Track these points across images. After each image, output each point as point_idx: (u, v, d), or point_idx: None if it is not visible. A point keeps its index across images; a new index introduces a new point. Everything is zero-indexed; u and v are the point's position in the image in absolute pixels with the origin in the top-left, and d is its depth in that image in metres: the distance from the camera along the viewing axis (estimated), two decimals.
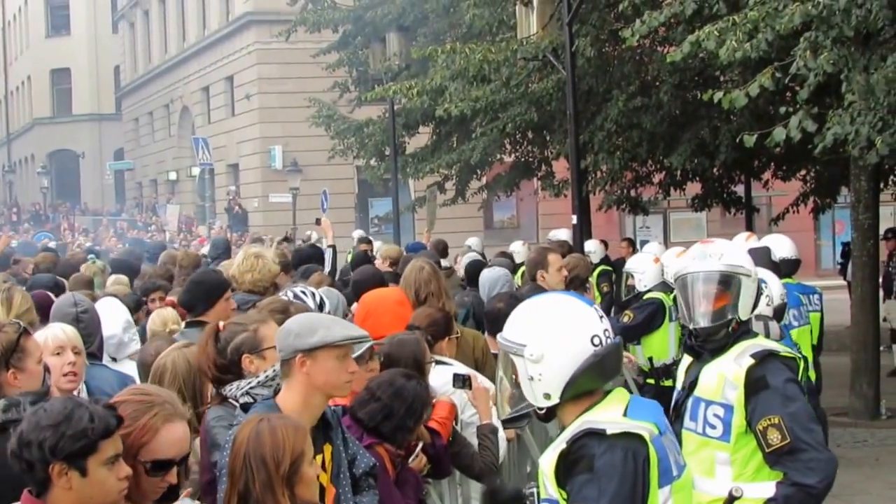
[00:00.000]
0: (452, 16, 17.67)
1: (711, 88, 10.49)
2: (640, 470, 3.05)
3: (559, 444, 3.15)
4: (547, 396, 3.17)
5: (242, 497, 3.24)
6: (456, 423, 4.93)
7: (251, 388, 4.00)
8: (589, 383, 3.17)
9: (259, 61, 34.46)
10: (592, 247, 13.87)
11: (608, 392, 3.23)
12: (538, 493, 3.23)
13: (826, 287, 11.98)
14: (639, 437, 3.07)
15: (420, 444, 4.45)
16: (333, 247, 9.83)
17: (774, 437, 3.94)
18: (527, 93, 14.98)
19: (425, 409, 4.46)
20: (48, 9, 54.45)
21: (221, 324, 4.26)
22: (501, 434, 5.19)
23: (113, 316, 6.07)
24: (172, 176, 42.51)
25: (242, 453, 3.25)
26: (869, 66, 9.33)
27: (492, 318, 6.44)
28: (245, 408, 3.78)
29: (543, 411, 3.21)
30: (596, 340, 3.16)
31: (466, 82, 15.04)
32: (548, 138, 17.31)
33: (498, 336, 3.30)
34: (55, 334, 4.70)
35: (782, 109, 9.84)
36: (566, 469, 3.10)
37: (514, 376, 3.24)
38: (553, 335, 3.16)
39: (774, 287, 5.81)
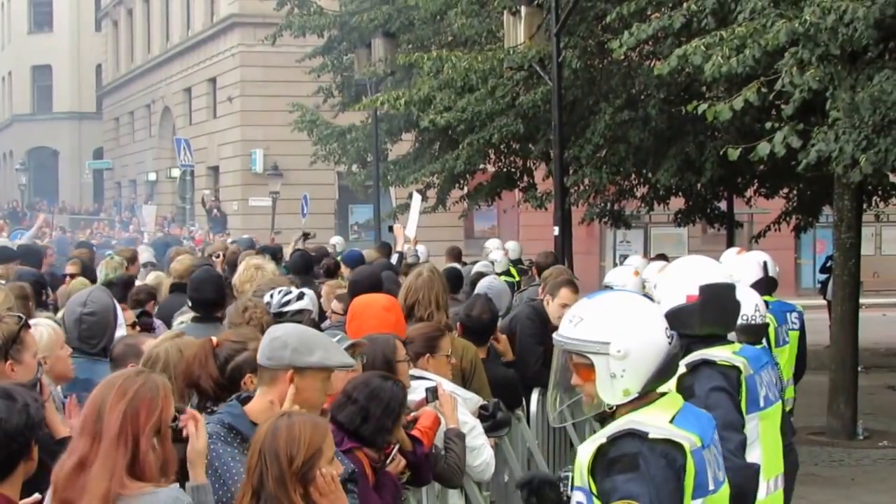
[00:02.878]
0: (439, 23, 17.64)
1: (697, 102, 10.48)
2: (678, 477, 3.07)
3: (598, 438, 3.16)
4: (626, 393, 3.19)
5: (256, 492, 3.21)
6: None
7: None
8: (660, 381, 3.22)
9: (242, 64, 34.35)
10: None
11: (662, 394, 3.25)
12: (572, 479, 3.24)
13: (806, 306, 11.97)
14: (679, 446, 3.08)
15: (396, 446, 4.39)
16: (401, 253, 10.07)
17: None
18: (513, 104, 14.95)
19: (402, 409, 4.43)
20: (31, 5, 54.17)
21: (215, 340, 4.24)
22: (487, 446, 5.16)
23: None
24: (152, 177, 42.28)
25: (258, 448, 3.24)
26: (856, 84, 9.33)
27: (476, 328, 6.39)
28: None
29: (612, 409, 3.22)
30: (668, 334, 3.23)
31: (453, 92, 15.00)
32: (532, 148, 17.29)
33: (558, 336, 3.29)
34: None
35: (768, 125, 9.83)
36: (605, 465, 3.10)
37: (569, 378, 3.27)
38: (638, 331, 3.19)
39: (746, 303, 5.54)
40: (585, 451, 3.17)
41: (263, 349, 3.77)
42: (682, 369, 4.06)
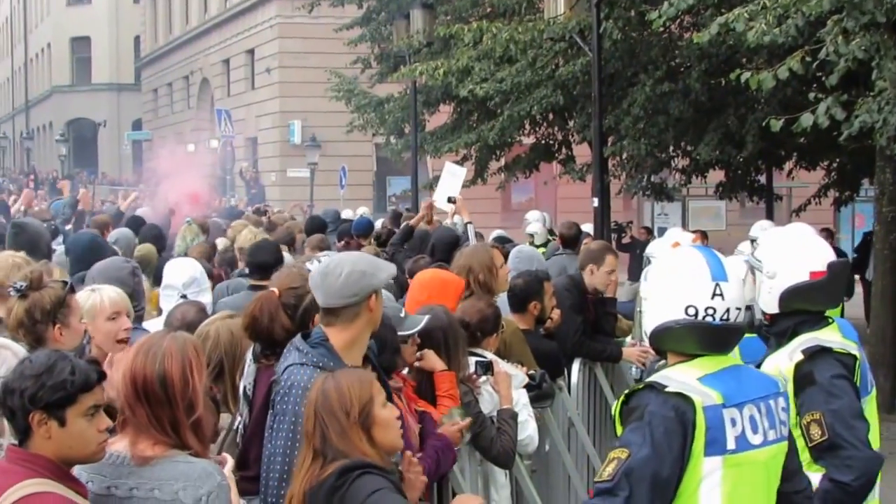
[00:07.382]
0: None
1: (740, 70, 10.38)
2: (685, 430, 3.15)
3: (629, 389, 3.33)
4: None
5: (321, 452, 3.32)
6: (477, 404, 4.91)
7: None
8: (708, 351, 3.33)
9: (281, 35, 34.38)
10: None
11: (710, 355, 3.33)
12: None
13: None
14: (689, 400, 3.17)
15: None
16: (471, 222, 10.23)
17: (815, 433, 3.96)
18: (552, 75, 14.89)
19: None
20: None
21: (276, 290, 4.23)
22: (532, 420, 5.21)
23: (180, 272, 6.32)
24: (191, 148, 42.42)
25: (313, 411, 3.36)
26: None
27: (511, 294, 6.42)
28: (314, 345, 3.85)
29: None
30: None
31: (492, 63, 14.94)
32: (569, 122, 17.20)
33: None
34: (112, 297, 4.58)
35: (811, 96, 9.73)
36: (625, 416, 3.25)
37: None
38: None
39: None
40: (615, 404, 3.36)
41: (340, 289, 3.76)
42: (798, 356, 4.05)
